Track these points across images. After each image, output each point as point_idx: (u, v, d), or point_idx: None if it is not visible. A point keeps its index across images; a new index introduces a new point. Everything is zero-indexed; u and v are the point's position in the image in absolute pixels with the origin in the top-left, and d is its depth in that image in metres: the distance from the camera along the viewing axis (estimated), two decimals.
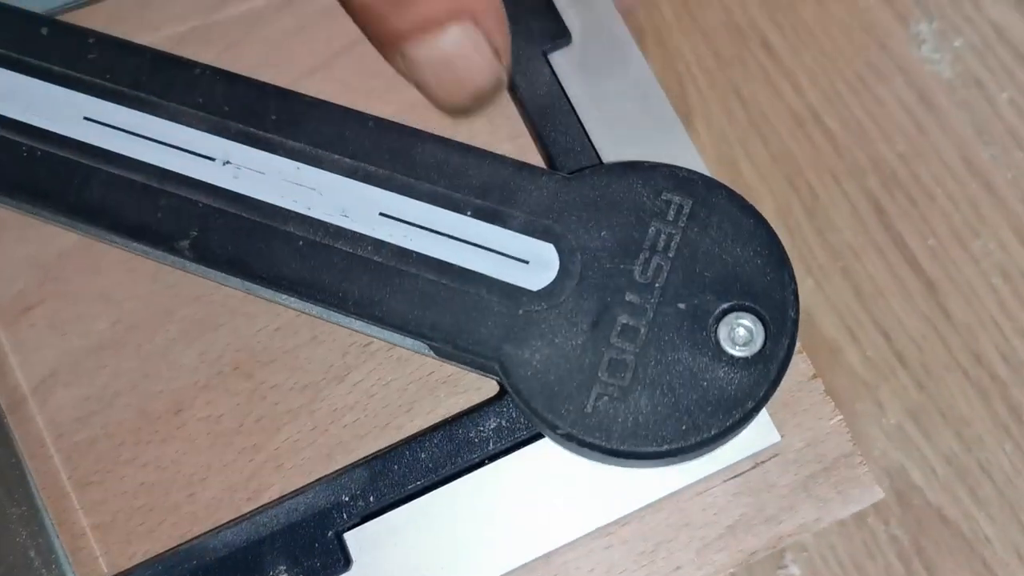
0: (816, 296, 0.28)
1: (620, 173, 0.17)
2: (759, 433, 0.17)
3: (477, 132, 0.21)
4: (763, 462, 0.18)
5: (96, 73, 0.18)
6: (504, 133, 0.21)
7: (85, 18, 0.21)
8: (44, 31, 0.19)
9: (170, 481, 0.19)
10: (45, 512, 0.18)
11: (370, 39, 0.18)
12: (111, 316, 0.20)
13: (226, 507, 0.18)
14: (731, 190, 0.16)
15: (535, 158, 0.20)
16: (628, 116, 0.19)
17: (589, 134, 0.19)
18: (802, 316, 0.27)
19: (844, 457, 0.18)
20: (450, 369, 0.19)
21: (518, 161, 0.17)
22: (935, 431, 0.27)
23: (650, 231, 0.16)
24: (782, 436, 0.18)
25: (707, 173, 0.17)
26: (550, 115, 0.19)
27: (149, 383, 0.19)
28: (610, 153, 0.19)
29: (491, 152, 0.17)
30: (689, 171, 0.17)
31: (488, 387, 0.19)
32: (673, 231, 0.16)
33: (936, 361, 0.27)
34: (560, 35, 0.20)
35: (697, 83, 0.30)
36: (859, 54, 0.31)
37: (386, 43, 0.17)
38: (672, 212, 0.16)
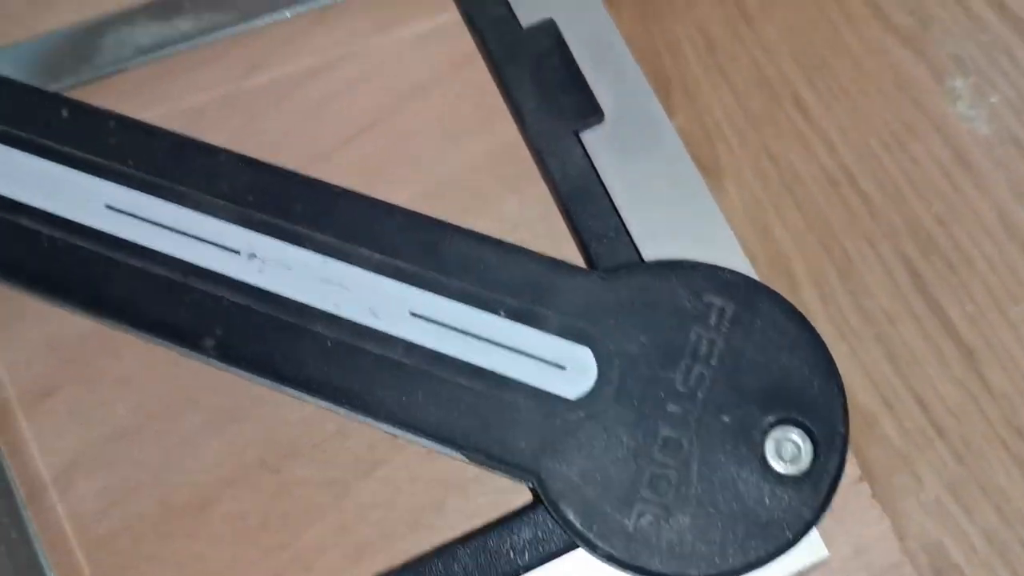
0: (850, 363, 0.27)
1: (659, 273, 0.16)
2: (806, 549, 0.16)
3: (508, 211, 0.20)
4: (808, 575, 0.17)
5: (118, 158, 0.18)
6: (535, 213, 0.20)
7: (109, 87, 0.21)
8: (65, 113, 0.18)
9: None
10: None
11: None
12: (132, 402, 0.19)
13: None
14: (776, 294, 0.16)
15: (568, 243, 0.20)
16: (664, 201, 0.19)
17: (624, 220, 0.19)
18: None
19: (893, 567, 0.17)
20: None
21: (552, 259, 0.16)
22: (975, 506, 0.26)
23: (691, 336, 0.16)
24: (828, 547, 0.17)
25: (749, 270, 0.17)
26: (582, 197, 0.19)
27: (172, 474, 0.19)
28: (645, 240, 0.19)
29: (525, 248, 0.16)
30: (732, 272, 0.16)
31: (521, 487, 0.18)
32: (715, 337, 0.16)
33: (975, 432, 0.27)
34: (592, 113, 0.20)
35: (727, 140, 0.30)
36: (893, 111, 0.30)
37: None
38: (714, 316, 0.16)
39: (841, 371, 0.27)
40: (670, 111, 0.30)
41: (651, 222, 0.19)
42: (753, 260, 0.29)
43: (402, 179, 0.20)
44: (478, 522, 0.17)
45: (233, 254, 0.17)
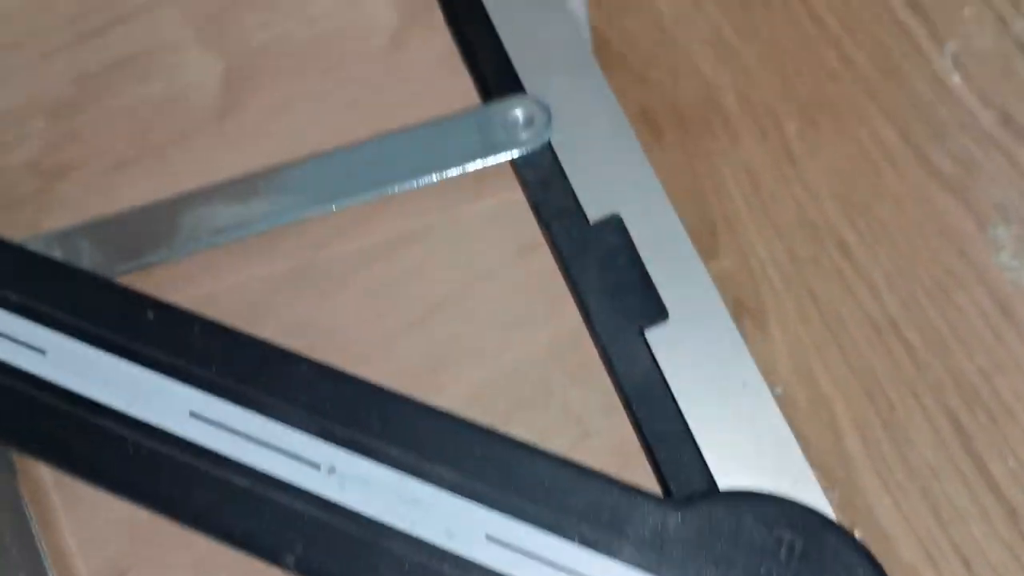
0: (894, 516, 0.28)
1: (732, 505, 0.17)
2: None
3: (571, 404, 0.21)
4: None
5: (203, 362, 0.18)
6: (598, 407, 0.21)
7: (183, 266, 0.22)
8: (151, 315, 0.19)
9: None
10: None
11: None
12: None
13: None
14: (845, 532, 0.16)
15: (633, 442, 0.20)
16: (733, 416, 0.19)
17: (695, 438, 0.19)
18: (880, 536, 0.27)
19: None
20: None
21: (628, 486, 0.17)
22: None
23: (761, 571, 0.16)
24: None
25: (821, 499, 0.17)
26: (648, 399, 0.19)
27: None
28: (717, 463, 0.19)
29: (599, 473, 0.17)
30: (803, 508, 0.17)
31: None
32: (784, 572, 0.16)
33: None
34: (658, 313, 0.20)
35: (772, 282, 0.30)
36: (937, 259, 0.30)
37: None
38: (784, 551, 0.16)
39: (885, 524, 0.28)
40: (716, 252, 0.30)
41: (721, 441, 0.19)
42: (795, 403, 0.29)
43: (466, 366, 0.21)
44: None
45: (314, 468, 0.17)
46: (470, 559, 0.17)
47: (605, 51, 0.33)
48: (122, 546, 0.20)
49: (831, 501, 0.27)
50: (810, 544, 0.16)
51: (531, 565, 0.16)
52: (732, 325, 0.21)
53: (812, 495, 0.18)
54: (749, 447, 0.19)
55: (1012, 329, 0.29)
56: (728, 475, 0.18)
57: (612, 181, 0.22)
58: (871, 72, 0.33)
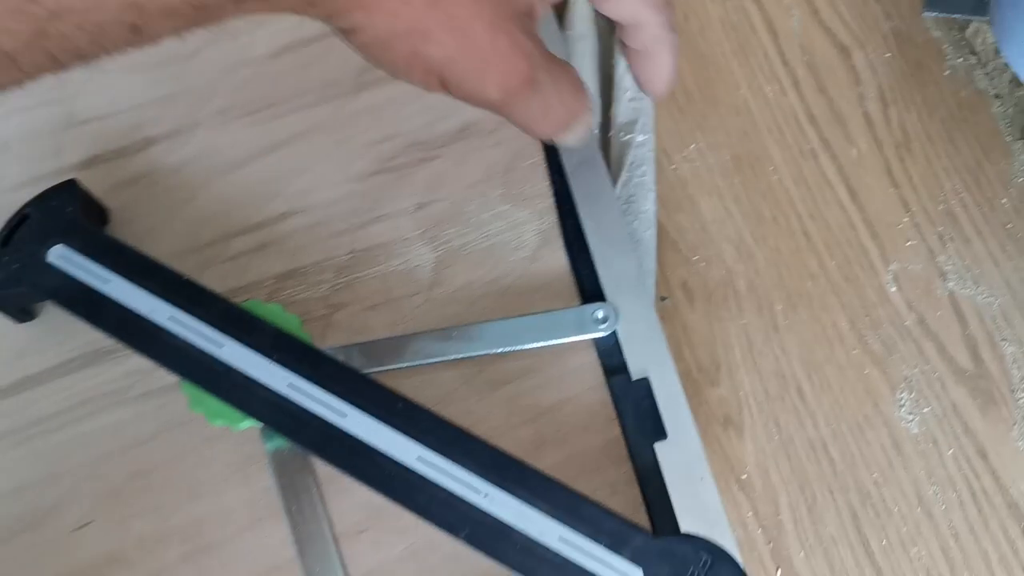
0: (804, 566, 0.45)
1: (683, 540, 0.34)
2: None
3: (597, 488, 0.38)
4: None
5: (421, 429, 0.36)
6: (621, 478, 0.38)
7: (409, 372, 0.40)
8: (398, 404, 0.37)
9: None
10: None
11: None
12: None
13: None
14: (734, 560, 0.33)
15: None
16: (691, 496, 0.37)
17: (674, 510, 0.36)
18: (791, 575, 0.44)
19: None
20: None
21: (637, 526, 0.34)
22: None
23: (690, 569, 0.34)
24: None
25: (731, 543, 0.34)
26: (652, 482, 0.37)
27: None
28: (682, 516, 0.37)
29: (629, 520, 0.34)
30: (714, 544, 0.34)
31: None
32: (701, 572, 0.34)
33: None
34: (662, 434, 0.38)
35: (750, 408, 0.47)
36: (860, 407, 0.47)
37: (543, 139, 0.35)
38: (703, 563, 0.34)
39: (796, 571, 0.45)
40: (717, 382, 0.48)
41: (684, 510, 0.37)
42: (753, 487, 0.46)
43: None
44: None
45: (477, 492, 0.35)
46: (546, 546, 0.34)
47: (663, 236, 0.50)
48: (365, 515, 0.38)
49: (767, 552, 0.44)
50: (716, 561, 0.33)
51: (581, 555, 0.34)
52: (700, 444, 0.39)
53: (728, 543, 0.35)
54: (697, 518, 0.37)
55: (899, 458, 0.46)
56: (685, 527, 0.36)
57: (646, 355, 0.40)
58: (837, 277, 0.50)
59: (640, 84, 0.38)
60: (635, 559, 0.34)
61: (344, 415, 0.37)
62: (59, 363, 0.41)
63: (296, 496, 0.39)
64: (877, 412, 0.47)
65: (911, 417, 0.47)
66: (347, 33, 0.31)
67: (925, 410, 0.47)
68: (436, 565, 0.38)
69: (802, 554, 0.44)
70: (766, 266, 0.50)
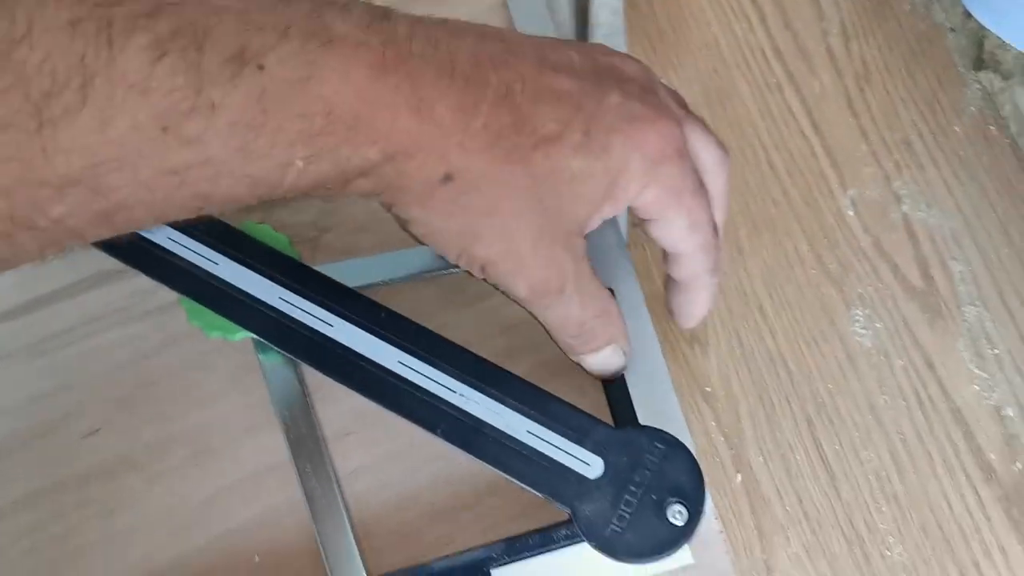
0: (764, 470, 0.48)
1: (639, 431, 0.37)
2: (682, 555, 0.37)
3: (566, 391, 0.42)
4: (683, 570, 0.38)
5: (406, 336, 0.40)
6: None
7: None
8: (381, 313, 0.40)
9: None
10: None
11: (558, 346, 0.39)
12: None
13: None
14: (686, 447, 0.37)
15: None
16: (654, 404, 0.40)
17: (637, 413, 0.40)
18: (752, 480, 0.47)
19: (725, 572, 0.38)
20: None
21: (598, 419, 0.38)
22: (817, 561, 0.46)
23: (646, 458, 0.37)
24: (695, 558, 0.38)
25: (685, 435, 0.38)
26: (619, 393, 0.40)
27: None
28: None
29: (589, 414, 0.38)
30: (670, 436, 0.37)
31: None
32: (656, 459, 0.37)
33: (825, 521, 0.47)
34: None
35: (714, 324, 0.50)
36: (816, 324, 0.50)
37: (569, 354, 0.39)
38: (658, 453, 0.37)
39: (757, 474, 0.48)
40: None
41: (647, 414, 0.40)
42: (717, 397, 0.49)
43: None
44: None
45: (454, 392, 0.39)
46: (511, 435, 0.37)
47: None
48: (352, 419, 0.42)
49: (728, 458, 0.48)
50: (669, 450, 0.37)
51: (546, 446, 0.37)
52: (659, 350, 0.42)
53: (684, 438, 0.38)
54: (656, 415, 0.40)
55: (852, 370, 0.49)
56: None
57: (612, 273, 0.43)
58: (798, 203, 0.52)
59: (669, 309, 0.42)
60: (596, 449, 0.37)
61: (331, 325, 0.40)
62: (68, 284, 0.44)
63: (288, 403, 0.42)
64: (833, 328, 0.50)
65: (864, 332, 0.50)
66: (404, 222, 0.34)
67: (877, 325, 0.50)
68: (417, 463, 0.41)
69: (761, 459, 0.48)
70: (733, 195, 0.53)
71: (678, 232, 0.37)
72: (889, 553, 0.46)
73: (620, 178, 0.34)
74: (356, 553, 0.40)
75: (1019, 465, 0.46)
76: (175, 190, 0.28)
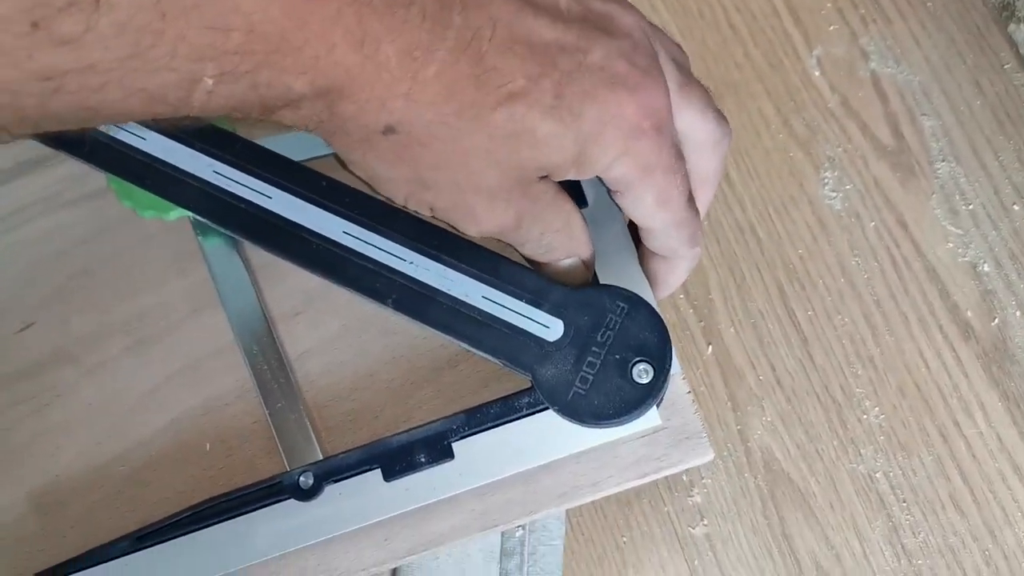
0: (734, 340, 0.46)
1: (598, 289, 0.35)
2: (650, 418, 0.36)
3: None
4: (654, 433, 0.36)
5: (350, 206, 0.37)
6: None
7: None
8: (323, 182, 0.38)
9: None
10: None
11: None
12: None
13: None
14: (648, 304, 0.35)
15: None
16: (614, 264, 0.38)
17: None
18: (724, 351, 0.45)
19: (696, 434, 0.36)
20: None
21: (556, 281, 0.36)
22: (792, 429, 0.45)
23: (608, 318, 0.35)
24: (664, 420, 0.36)
25: (647, 292, 0.36)
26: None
27: None
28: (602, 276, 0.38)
29: (548, 277, 0.36)
30: (630, 292, 0.35)
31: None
32: (618, 319, 0.35)
33: (801, 388, 0.46)
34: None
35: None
36: (786, 189, 0.48)
37: (528, 261, 0.36)
38: (619, 311, 0.35)
39: (728, 344, 0.46)
40: None
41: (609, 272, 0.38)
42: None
43: None
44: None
45: (404, 261, 0.36)
46: (469, 303, 0.35)
47: None
48: (300, 299, 0.39)
49: (699, 330, 0.46)
50: (631, 308, 0.35)
51: (502, 310, 0.35)
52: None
53: (647, 298, 0.36)
54: (619, 275, 0.38)
55: (823, 234, 0.47)
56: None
57: None
58: (762, 65, 0.50)
59: (646, 273, 0.38)
60: (554, 311, 0.35)
61: (269, 197, 0.38)
62: None
63: (232, 285, 0.40)
64: (802, 192, 0.48)
65: (834, 195, 0.48)
66: (343, 163, 0.32)
67: (848, 187, 0.48)
68: (369, 340, 0.39)
69: (732, 329, 0.46)
70: (693, 59, 0.50)
71: (645, 208, 0.34)
72: (866, 416, 0.44)
73: (589, 148, 0.31)
74: (312, 435, 0.38)
75: (997, 322, 0.45)
76: (49, 98, 0.24)
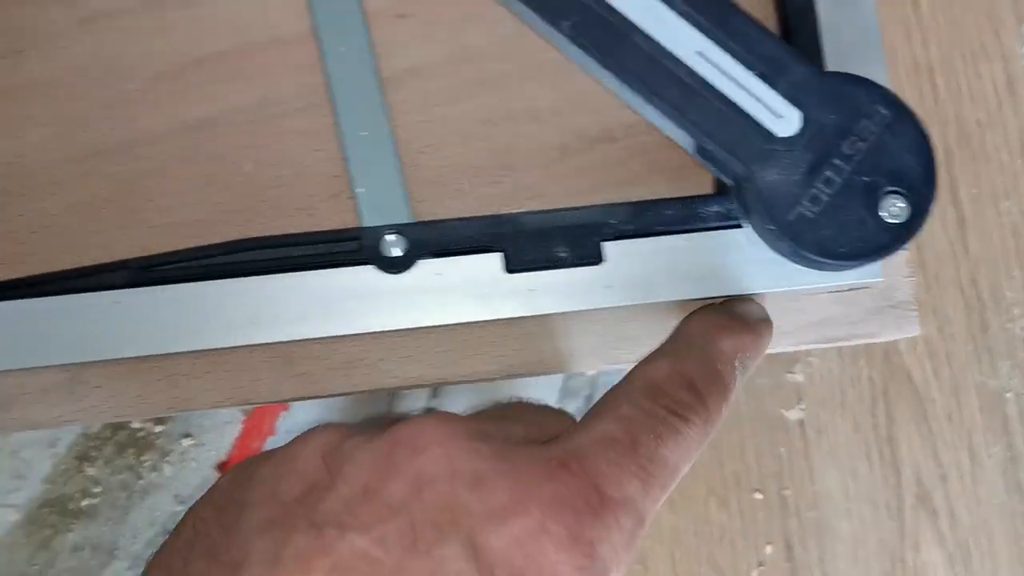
0: None
1: (856, 82, 0.26)
2: (871, 271, 0.27)
3: None
4: (856, 291, 0.28)
5: None
6: None
7: None
8: None
9: None
10: None
11: None
12: None
13: None
14: (917, 117, 0.26)
15: None
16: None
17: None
18: None
19: (905, 303, 0.28)
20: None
21: (798, 51, 0.26)
22: (926, 320, 0.37)
23: (861, 123, 0.25)
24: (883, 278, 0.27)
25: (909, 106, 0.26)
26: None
27: None
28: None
29: (785, 42, 0.26)
30: (896, 97, 0.26)
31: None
32: (875, 129, 0.25)
33: (946, 276, 0.38)
34: None
35: None
36: (978, 36, 0.39)
37: None
38: (878, 117, 0.25)
39: None
40: None
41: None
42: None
43: None
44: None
45: None
46: (685, 63, 0.25)
47: None
48: None
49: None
50: (894, 117, 0.25)
51: (723, 79, 0.25)
52: None
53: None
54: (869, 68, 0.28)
55: (1010, 100, 0.39)
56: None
57: None
58: None
59: None
60: (793, 96, 0.26)
61: None
62: None
63: None
64: (997, 43, 0.39)
65: None
66: None
67: None
68: (500, 74, 0.28)
69: None
70: None
71: None
72: (1011, 326, 0.38)
73: None
74: (401, 186, 0.27)
75: None
76: None
